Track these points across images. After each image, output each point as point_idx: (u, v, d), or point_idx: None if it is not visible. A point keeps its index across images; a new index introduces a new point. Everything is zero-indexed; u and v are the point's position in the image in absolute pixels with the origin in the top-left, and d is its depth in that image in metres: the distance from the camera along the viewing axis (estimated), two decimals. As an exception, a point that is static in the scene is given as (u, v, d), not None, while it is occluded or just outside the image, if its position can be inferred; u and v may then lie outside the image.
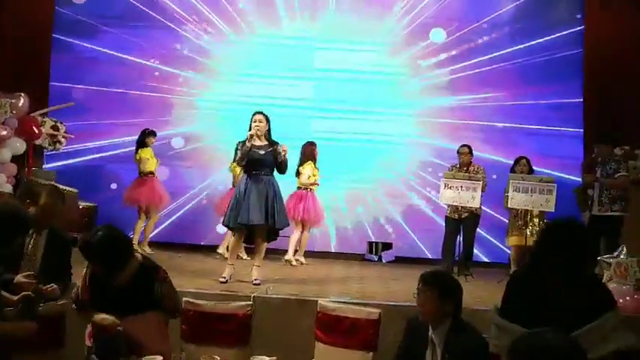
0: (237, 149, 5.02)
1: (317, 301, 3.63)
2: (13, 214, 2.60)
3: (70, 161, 7.66)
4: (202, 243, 7.49)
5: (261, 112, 5.09)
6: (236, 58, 7.92)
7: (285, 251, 6.51)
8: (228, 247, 5.70)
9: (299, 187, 6.64)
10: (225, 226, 5.10)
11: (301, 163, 6.64)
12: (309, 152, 6.66)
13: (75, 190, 7.12)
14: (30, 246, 3.23)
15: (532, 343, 1.48)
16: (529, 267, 2.59)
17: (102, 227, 2.79)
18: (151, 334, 2.65)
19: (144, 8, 7.76)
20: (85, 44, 7.81)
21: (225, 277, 4.92)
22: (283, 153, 4.98)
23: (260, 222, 4.84)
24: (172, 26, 7.81)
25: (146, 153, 6.78)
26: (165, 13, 7.78)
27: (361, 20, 7.83)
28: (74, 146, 7.53)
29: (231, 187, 6.68)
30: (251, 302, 3.53)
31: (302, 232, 6.60)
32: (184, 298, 3.47)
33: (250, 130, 5.00)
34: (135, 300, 2.69)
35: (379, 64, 7.82)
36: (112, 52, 7.79)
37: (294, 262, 6.44)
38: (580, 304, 2.36)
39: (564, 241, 2.50)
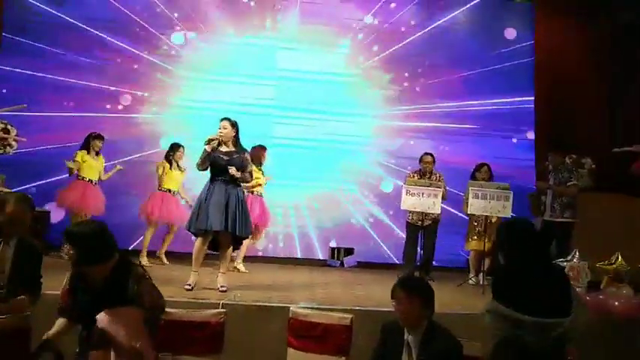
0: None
1: (288, 307, 3.67)
2: None
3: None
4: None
5: (227, 119, 5.05)
6: (199, 60, 7.86)
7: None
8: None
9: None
10: (187, 230, 5.00)
11: None
12: (254, 155, 6.62)
13: (29, 196, 6.85)
14: (-3, 256, 3.11)
15: (512, 345, 1.58)
16: (509, 263, 2.76)
17: (93, 220, 3.05)
18: (122, 329, 2.64)
19: (108, 12, 7.66)
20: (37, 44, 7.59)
21: (190, 285, 4.86)
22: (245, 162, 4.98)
23: (219, 228, 4.78)
24: (136, 30, 7.72)
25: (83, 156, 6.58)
26: (129, 17, 7.70)
27: (324, 24, 7.97)
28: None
29: (157, 190, 6.56)
30: (224, 309, 3.53)
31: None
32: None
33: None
34: (111, 297, 2.70)
35: (341, 66, 7.97)
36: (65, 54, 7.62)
37: (242, 269, 6.37)
38: (557, 286, 2.63)
39: (523, 236, 2.70)
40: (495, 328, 2.47)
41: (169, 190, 6.58)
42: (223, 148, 4.97)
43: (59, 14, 7.63)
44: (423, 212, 6.30)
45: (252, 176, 5.18)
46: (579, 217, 6.15)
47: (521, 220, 3.13)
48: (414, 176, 6.55)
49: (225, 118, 5.06)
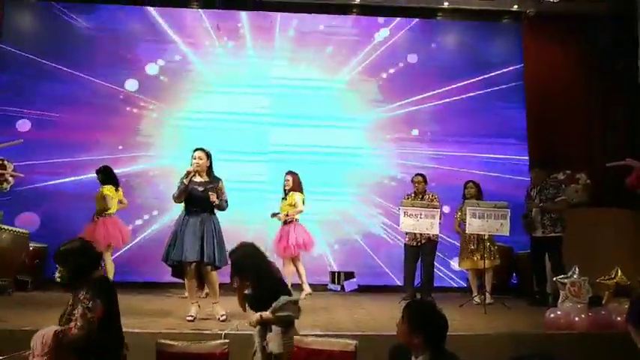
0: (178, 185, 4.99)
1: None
2: None
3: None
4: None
5: (201, 149, 5.04)
6: (194, 72, 7.99)
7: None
8: None
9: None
10: (164, 261, 4.95)
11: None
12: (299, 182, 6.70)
13: (26, 232, 6.85)
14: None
15: None
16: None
17: (77, 239, 3.36)
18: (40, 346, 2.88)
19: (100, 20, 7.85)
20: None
21: (192, 316, 4.85)
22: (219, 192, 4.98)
23: (193, 259, 4.77)
24: (131, 42, 7.88)
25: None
26: (122, 28, 7.88)
27: (319, 38, 8.14)
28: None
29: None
30: (227, 340, 3.52)
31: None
32: (158, 340, 3.41)
33: (191, 166, 4.98)
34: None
35: (336, 75, 8.09)
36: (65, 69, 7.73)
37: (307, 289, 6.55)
38: None
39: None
40: None
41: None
42: (197, 179, 4.96)
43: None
44: (419, 233, 6.32)
45: (227, 204, 5.11)
46: (573, 232, 6.21)
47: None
48: (408, 198, 6.58)
49: (200, 149, 5.05)
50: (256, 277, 3.63)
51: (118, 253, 7.02)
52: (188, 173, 4.91)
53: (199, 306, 5.01)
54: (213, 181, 5.00)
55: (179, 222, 4.94)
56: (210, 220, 4.91)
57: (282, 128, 7.87)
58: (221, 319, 4.86)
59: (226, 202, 5.06)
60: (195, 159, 4.95)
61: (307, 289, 6.55)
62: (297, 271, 6.57)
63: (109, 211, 6.49)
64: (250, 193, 7.41)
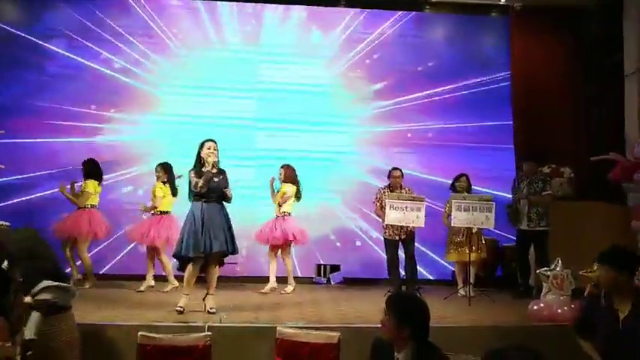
0: (190, 176, 4.98)
1: (275, 327, 3.65)
2: None
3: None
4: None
5: (213, 140, 5.09)
6: (180, 73, 7.86)
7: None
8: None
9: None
10: (183, 256, 4.90)
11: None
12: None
13: (6, 223, 6.76)
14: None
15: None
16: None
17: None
18: None
19: (85, 22, 7.65)
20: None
21: (182, 307, 4.84)
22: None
23: (221, 249, 4.84)
24: (114, 41, 7.71)
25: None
26: (106, 27, 7.70)
27: (305, 35, 8.03)
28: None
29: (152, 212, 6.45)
30: (209, 332, 3.50)
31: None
32: (139, 333, 3.39)
33: (201, 156, 4.99)
34: None
35: (321, 77, 7.99)
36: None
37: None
38: None
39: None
40: None
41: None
42: (205, 169, 4.96)
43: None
44: (399, 226, 6.34)
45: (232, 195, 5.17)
46: (558, 225, 6.26)
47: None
48: (384, 191, 6.59)
49: (212, 140, 5.09)
50: (23, 260, 3.48)
51: (101, 246, 6.98)
52: (210, 163, 4.91)
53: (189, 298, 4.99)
54: (221, 172, 5.04)
55: (199, 213, 4.86)
56: (224, 209, 5.02)
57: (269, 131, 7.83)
58: (210, 311, 4.86)
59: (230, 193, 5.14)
60: (210, 149, 4.98)
61: (292, 282, 6.53)
62: (285, 264, 6.55)
63: (90, 202, 6.47)
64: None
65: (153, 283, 6.38)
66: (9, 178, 7.26)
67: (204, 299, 4.99)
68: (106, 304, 5.31)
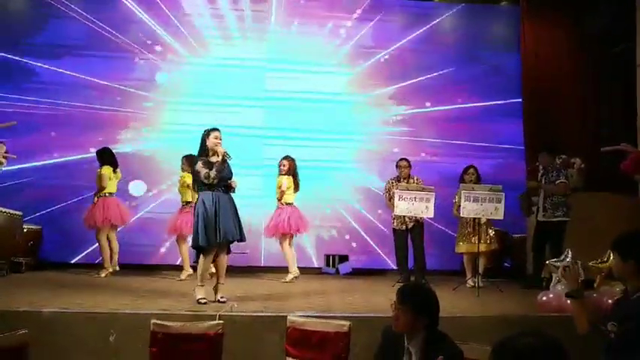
0: (198, 166, 4.93)
1: (286, 316, 3.68)
2: None
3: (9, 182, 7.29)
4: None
5: (219, 129, 5.09)
6: (185, 83, 7.87)
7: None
8: None
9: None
10: (201, 246, 4.90)
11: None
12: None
13: (19, 213, 6.85)
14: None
15: (514, 345, 1.59)
16: None
17: None
18: None
19: (97, 30, 7.64)
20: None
21: (204, 298, 4.85)
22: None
23: (235, 237, 4.91)
24: (120, 54, 7.73)
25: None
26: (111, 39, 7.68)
27: (311, 44, 7.99)
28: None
29: (182, 205, 6.61)
30: (221, 321, 3.53)
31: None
32: (152, 320, 3.44)
33: (207, 145, 4.99)
34: None
35: (332, 87, 7.98)
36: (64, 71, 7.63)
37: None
38: None
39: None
40: None
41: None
42: (214, 159, 4.98)
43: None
44: (407, 217, 6.34)
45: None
46: (570, 216, 6.21)
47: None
48: (393, 182, 6.59)
49: (217, 129, 5.08)
50: None
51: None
52: (223, 154, 4.92)
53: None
54: (224, 161, 5.02)
55: (210, 203, 4.86)
56: (231, 197, 5.04)
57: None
58: (221, 300, 4.90)
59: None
60: (217, 138, 4.99)
61: (295, 271, 6.56)
62: (285, 253, 6.64)
63: (107, 191, 6.63)
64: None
65: (191, 271, 6.46)
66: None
67: (214, 288, 5.03)
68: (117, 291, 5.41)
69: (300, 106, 7.87)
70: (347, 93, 8.01)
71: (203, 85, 7.83)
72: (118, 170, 6.83)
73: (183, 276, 6.47)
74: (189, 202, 6.41)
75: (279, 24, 8.00)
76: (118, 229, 6.87)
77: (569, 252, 4.92)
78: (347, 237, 7.81)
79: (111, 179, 6.68)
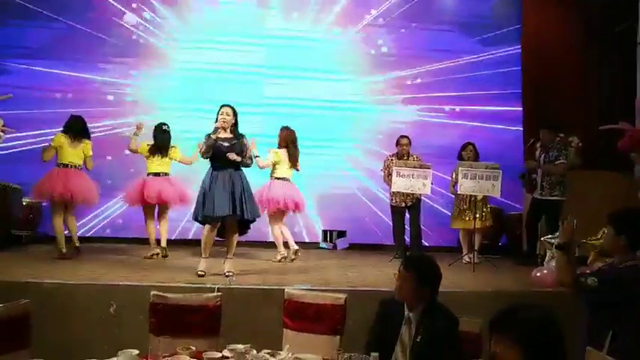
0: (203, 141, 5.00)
1: (283, 289, 3.74)
2: None
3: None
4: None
5: (228, 105, 5.10)
6: (185, 24, 7.88)
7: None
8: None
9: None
10: (195, 219, 5.06)
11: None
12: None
13: (18, 187, 6.87)
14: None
15: (529, 317, 1.63)
16: None
17: None
18: None
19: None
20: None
21: (203, 271, 4.94)
22: (250, 147, 5.12)
23: (225, 214, 4.87)
24: None
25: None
26: None
27: None
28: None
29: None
30: (219, 293, 3.59)
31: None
32: (152, 292, 3.49)
33: (217, 122, 5.01)
34: None
35: (333, 28, 8.00)
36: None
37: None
38: None
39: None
40: None
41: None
42: (222, 135, 5.00)
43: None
44: (405, 193, 6.37)
45: (252, 160, 5.20)
46: (568, 195, 6.25)
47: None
48: (392, 159, 6.60)
49: (227, 105, 5.10)
50: None
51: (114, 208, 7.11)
52: (216, 129, 4.93)
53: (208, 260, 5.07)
54: (238, 137, 5.04)
55: (207, 179, 4.96)
56: (238, 175, 5.00)
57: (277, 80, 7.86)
58: (227, 274, 4.96)
59: (251, 158, 5.13)
60: (222, 114, 5.00)
61: (293, 246, 6.33)
62: (278, 230, 6.37)
63: (60, 161, 6.00)
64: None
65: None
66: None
67: (224, 262, 5.11)
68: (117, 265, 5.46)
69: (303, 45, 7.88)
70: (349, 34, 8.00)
71: (202, 25, 7.86)
72: (87, 141, 6.10)
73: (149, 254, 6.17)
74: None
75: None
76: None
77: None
78: (345, 213, 7.84)
79: (63, 147, 5.95)
